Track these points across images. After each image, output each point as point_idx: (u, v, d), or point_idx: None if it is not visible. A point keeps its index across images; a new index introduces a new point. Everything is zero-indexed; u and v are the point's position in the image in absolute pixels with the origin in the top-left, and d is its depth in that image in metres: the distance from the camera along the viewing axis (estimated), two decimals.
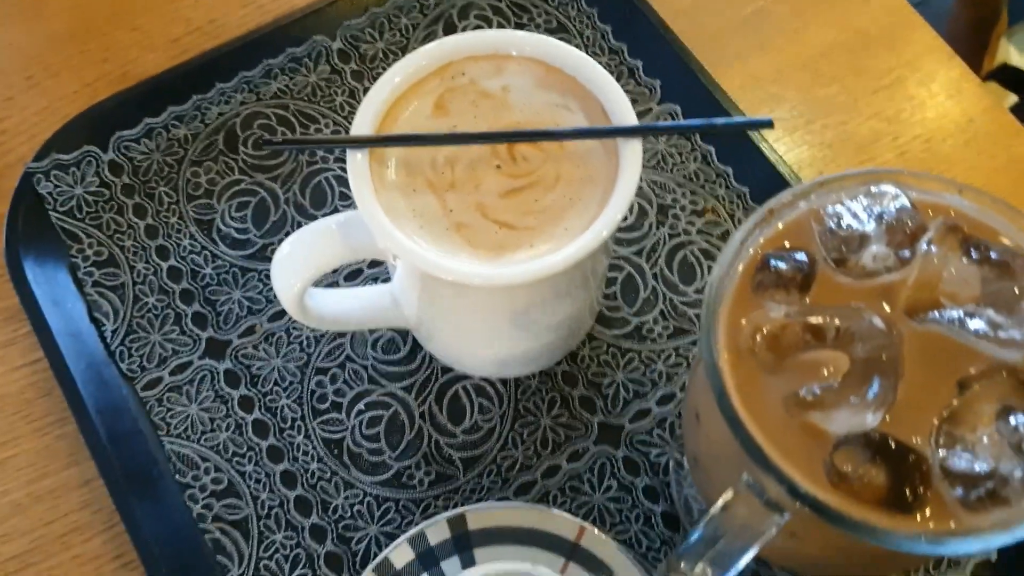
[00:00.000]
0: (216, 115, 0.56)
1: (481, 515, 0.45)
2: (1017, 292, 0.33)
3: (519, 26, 0.57)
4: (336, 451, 0.48)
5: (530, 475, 0.47)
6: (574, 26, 0.58)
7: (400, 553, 0.44)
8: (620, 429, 0.48)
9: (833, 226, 0.35)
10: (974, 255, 0.33)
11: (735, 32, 0.59)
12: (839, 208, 0.35)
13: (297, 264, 0.42)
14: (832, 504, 0.31)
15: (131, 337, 0.51)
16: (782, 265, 0.34)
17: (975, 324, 0.32)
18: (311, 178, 0.55)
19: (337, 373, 0.50)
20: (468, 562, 0.44)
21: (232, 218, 0.54)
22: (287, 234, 0.52)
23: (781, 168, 0.54)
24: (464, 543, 0.44)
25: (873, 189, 0.35)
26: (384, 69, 0.46)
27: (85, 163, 0.55)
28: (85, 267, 0.52)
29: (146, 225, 0.54)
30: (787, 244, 0.35)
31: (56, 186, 0.54)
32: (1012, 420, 0.31)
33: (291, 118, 0.56)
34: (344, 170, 0.47)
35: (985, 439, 0.31)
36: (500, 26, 0.58)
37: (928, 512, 0.31)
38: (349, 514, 0.47)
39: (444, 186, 0.41)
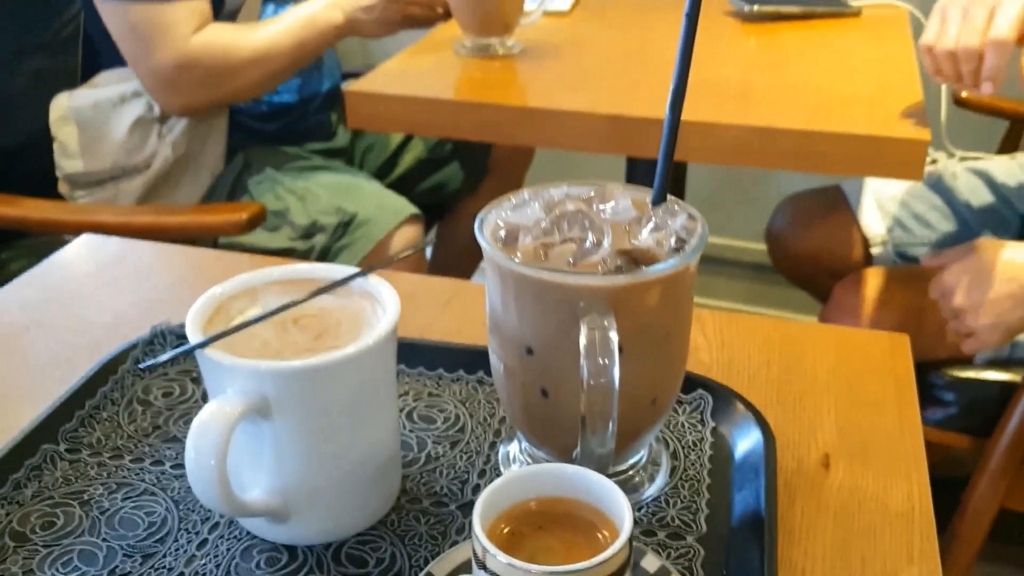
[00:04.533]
0: None
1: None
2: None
3: None
4: None
5: None
6: None
7: None
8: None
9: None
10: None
11: None
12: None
13: (205, 455, 0.52)
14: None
15: None
16: (501, 233, 0.59)
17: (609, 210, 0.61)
18: (115, 514, 0.62)
19: None
20: None
21: (61, 572, 0.58)
22: (124, 556, 0.59)
23: None
24: None
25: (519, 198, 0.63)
26: (104, 453, 0.66)
27: None
28: None
29: None
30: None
31: None
32: (649, 223, 0.59)
33: (61, 503, 0.63)
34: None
35: (646, 231, 0.58)
36: None
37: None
38: None
39: (271, 355, 0.57)
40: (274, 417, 0.55)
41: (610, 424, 0.54)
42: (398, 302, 0.59)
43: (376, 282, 0.61)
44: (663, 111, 1.27)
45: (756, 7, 1.61)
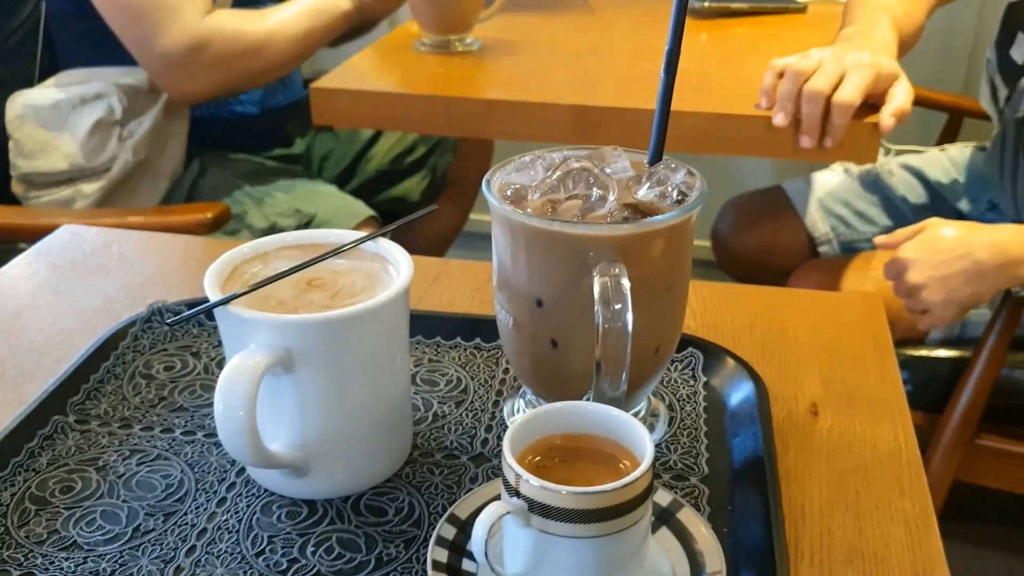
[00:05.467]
0: (10, 496, 0.61)
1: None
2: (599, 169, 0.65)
3: None
4: None
5: None
6: None
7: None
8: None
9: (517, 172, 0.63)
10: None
11: None
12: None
13: (234, 406, 0.54)
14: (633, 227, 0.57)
15: None
16: (508, 192, 0.61)
17: (610, 170, 0.63)
18: (131, 478, 0.63)
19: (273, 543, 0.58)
20: None
21: (86, 531, 0.59)
22: (146, 515, 0.60)
23: None
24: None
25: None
26: (113, 423, 0.67)
27: None
28: None
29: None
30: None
31: None
32: (650, 179, 0.62)
33: (77, 469, 0.64)
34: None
35: (649, 186, 0.61)
36: None
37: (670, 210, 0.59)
38: None
39: (289, 312, 0.58)
40: (297, 370, 0.57)
41: (624, 368, 0.56)
42: (411, 261, 0.61)
43: (387, 244, 0.63)
44: (626, 101, 1.31)
45: (707, 3, 1.66)
